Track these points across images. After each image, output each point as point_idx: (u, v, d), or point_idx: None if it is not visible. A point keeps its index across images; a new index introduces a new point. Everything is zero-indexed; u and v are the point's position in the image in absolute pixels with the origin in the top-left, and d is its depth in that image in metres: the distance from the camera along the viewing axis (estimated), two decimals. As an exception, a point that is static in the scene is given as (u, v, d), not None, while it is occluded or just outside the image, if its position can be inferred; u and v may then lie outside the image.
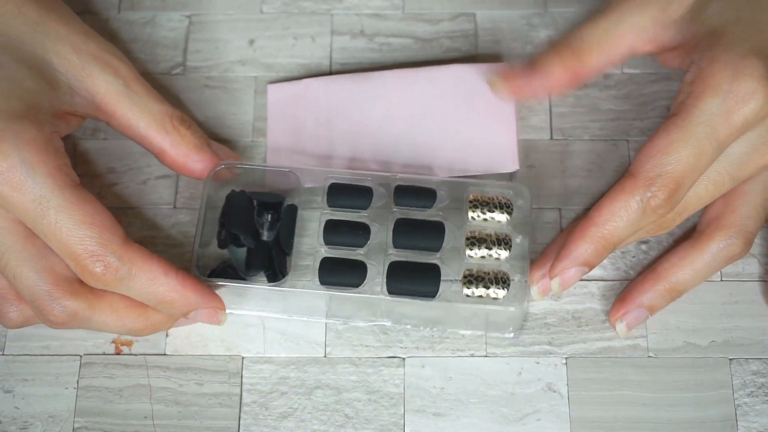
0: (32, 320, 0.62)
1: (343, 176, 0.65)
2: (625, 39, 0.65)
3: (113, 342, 0.65)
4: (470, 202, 0.64)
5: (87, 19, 0.74)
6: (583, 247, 0.60)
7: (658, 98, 0.72)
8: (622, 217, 0.60)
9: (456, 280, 0.63)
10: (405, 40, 0.74)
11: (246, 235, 0.64)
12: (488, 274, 0.63)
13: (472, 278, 0.62)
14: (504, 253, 0.63)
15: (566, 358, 0.65)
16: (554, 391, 0.64)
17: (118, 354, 0.65)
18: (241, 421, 0.63)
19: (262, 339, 0.65)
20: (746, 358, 0.65)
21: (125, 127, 0.65)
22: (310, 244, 0.67)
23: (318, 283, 0.63)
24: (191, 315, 0.62)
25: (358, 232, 0.64)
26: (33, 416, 0.63)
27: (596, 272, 0.67)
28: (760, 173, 0.63)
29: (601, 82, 0.72)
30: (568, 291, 0.66)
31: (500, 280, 0.62)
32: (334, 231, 0.64)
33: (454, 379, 0.64)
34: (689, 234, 0.66)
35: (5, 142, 0.57)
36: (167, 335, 0.65)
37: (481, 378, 0.64)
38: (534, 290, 0.64)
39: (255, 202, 0.65)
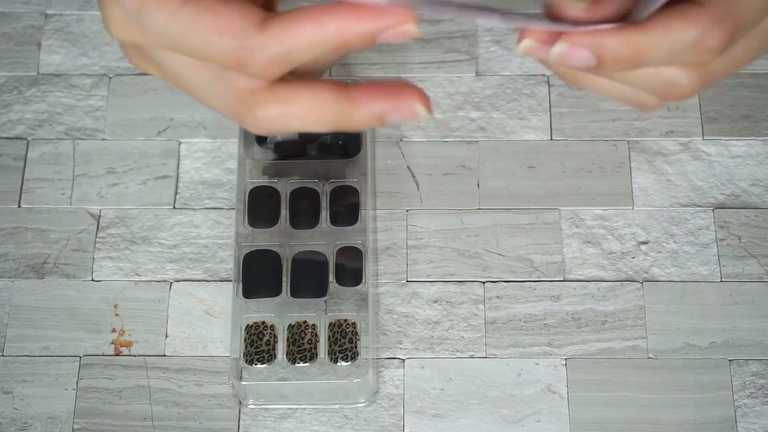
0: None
1: None
2: None
3: (113, 343, 0.65)
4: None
5: (87, 16, 0.75)
6: (609, 37, 0.49)
7: (659, 98, 0.72)
8: (669, 41, 0.50)
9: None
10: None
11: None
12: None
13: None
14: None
15: (566, 359, 0.65)
16: (554, 393, 0.64)
17: (117, 355, 0.65)
18: (241, 422, 0.63)
19: (262, 340, 0.66)
20: (746, 359, 0.65)
21: None
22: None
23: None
24: (381, 39, 0.48)
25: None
26: (32, 417, 0.63)
27: (596, 273, 0.67)
28: None
29: (601, 82, 0.72)
30: (568, 292, 0.66)
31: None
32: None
33: (453, 381, 0.64)
34: None
35: None
36: (167, 336, 0.65)
37: (480, 379, 0.64)
38: (522, 44, 0.49)
39: None
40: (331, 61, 0.52)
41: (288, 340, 0.63)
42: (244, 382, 0.62)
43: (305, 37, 0.49)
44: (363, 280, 0.65)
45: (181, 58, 0.52)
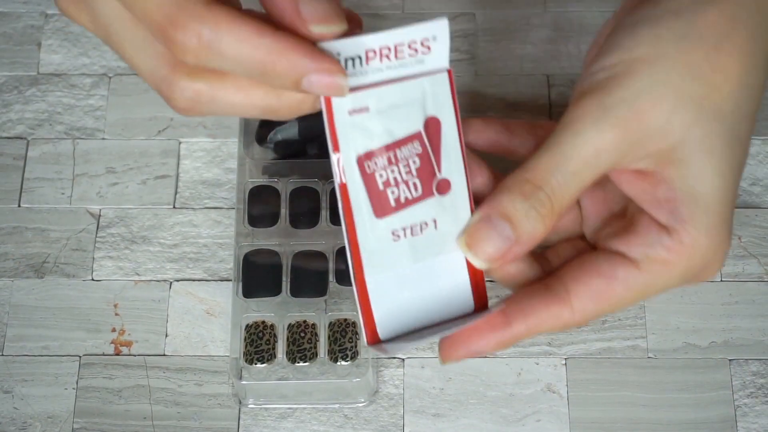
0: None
1: None
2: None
3: (113, 342, 0.65)
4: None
5: (86, 18, 0.75)
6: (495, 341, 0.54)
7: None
8: (543, 330, 0.55)
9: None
10: (405, 39, 0.74)
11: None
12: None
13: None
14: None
15: (566, 358, 0.65)
16: (554, 392, 0.64)
17: (117, 354, 0.65)
18: (241, 422, 0.63)
19: (262, 339, 0.66)
20: (746, 359, 0.65)
21: None
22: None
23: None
24: (305, 85, 0.49)
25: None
26: (32, 417, 0.63)
27: (596, 273, 0.67)
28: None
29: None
30: (567, 291, 0.66)
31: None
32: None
33: (453, 380, 0.64)
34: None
35: None
36: (167, 335, 0.65)
37: (480, 379, 0.64)
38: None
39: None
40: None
41: (288, 339, 0.63)
42: (244, 382, 0.62)
43: (237, 46, 0.47)
44: None
45: (119, 9, 0.50)
